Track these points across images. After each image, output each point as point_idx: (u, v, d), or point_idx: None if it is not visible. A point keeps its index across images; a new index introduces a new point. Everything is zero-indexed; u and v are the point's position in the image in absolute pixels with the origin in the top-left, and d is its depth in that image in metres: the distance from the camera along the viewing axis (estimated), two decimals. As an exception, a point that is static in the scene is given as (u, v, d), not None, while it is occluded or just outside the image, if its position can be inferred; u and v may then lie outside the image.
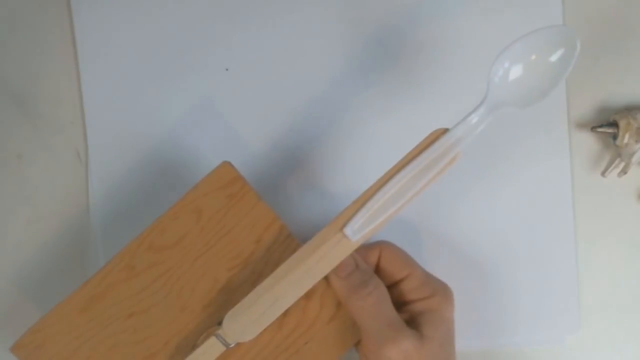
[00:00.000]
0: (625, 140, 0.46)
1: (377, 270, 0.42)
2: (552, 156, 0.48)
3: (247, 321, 0.39)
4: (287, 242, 0.41)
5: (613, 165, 0.47)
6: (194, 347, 0.40)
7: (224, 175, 0.41)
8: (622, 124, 0.46)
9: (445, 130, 0.37)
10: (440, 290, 0.41)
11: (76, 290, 0.41)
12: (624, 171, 0.47)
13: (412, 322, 0.40)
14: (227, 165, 0.41)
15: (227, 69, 0.48)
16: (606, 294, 0.49)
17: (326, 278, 0.39)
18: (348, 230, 0.38)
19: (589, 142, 0.48)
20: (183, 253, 0.41)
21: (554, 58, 0.37)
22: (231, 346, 0.39)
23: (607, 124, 0.47)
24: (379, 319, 0.38)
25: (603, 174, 0.48)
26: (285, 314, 0.39)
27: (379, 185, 0.38)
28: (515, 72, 0.37)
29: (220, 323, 0.39)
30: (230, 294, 0.41)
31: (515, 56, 0.37)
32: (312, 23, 0.48)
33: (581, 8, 0.48)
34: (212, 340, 0.39)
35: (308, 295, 0.39)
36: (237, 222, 0.41)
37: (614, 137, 0.46)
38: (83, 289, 0.41)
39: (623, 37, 0.48)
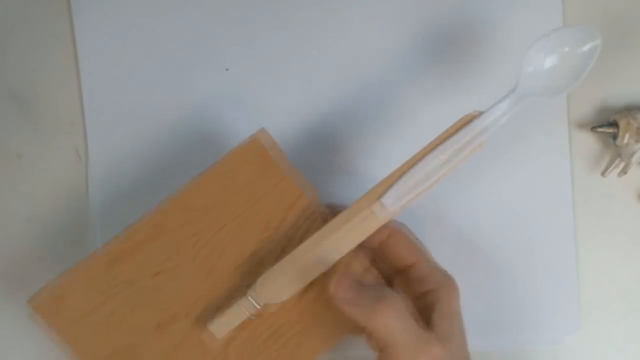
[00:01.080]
0: (625, 140, 0.46)
1: (382, 252, 0.42)
2: (552, 156, 0.48)
3: (278, 285, 0.39)
4: (312, 218, 0.41)
5: (613, 165, 0.47)
6: (219, 308, 0.40)
7: (253, 148, 0.41)
8: (622, 124, 0.46)
9: (479, 113, 0.39)
10: (446, 282, 0.41)
11: (103, 247, 0.40)
12: (624, 171, 0.47)
13: (423, 316, 0.40)
14: (261, 134, 0.41)
15: (227, 69, 0.48)
16: (606, 294, 0.49)
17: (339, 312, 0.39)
18: (380, 204, 0.39)
19: (589, 142, 0.48)
20: (213, 218, 0.41)
21: (583, 49, 0.40)
22: (258, 309, 0.40)
23: (607, 124, 0.47)
24: (404, 333, 0.38)
25: (603, 174, 0.48)
26: (310, 285, 0.40)
27: (413, 162, 0.39)
28: (550, 61, 0.40)
29: (248, 286, 0.40)
30: (256, 262, 0.41)
31: (550, 47, 0.40)
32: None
33: (581, 8, 0.48)
34: (243, 301, 0.40)
35: (329, 273, 0.40)
36: (266, 192, 0.41)
37: (614, 137, 0.46)
38: (110, 245, 0.40)
39: (623, 37, 0.48)
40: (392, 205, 0.39)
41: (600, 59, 0.48)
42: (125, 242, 0.40)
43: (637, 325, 0.49)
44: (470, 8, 0.48)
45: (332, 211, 0.42)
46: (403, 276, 0.42)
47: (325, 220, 0.41)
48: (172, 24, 0.47)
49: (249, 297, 0.40)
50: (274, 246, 0.41)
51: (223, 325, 0.40)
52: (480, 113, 0.39)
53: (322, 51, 0.48)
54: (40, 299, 0.40)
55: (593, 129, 0.47)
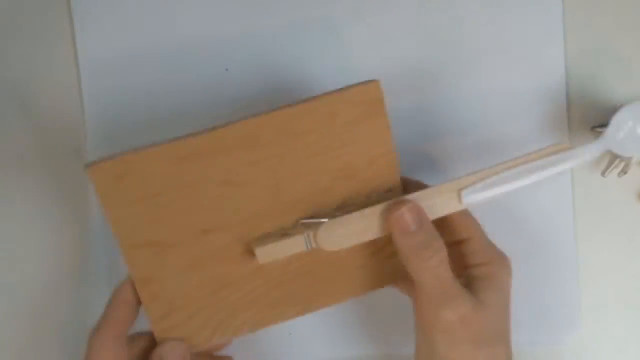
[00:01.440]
0: (626, 140, 0.46)
1: (443, 223, 0.42)
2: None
3: (340, 236, 0.40)
4: (394, 181, 0.41)
5: (613, 165, 0.47)
6: (269, 234, 0.40)
7: (370, 92, 0.40)
8: (622, 124, 0.46)
9: (567, 147, 0.41)
10: (498, 259, 0.41)
11: (183, 138, 0.39)
12: (624, 171, 0.47)
13: (469, 287, 0.40)
14: (376, 84, 0.40)
15: (226, 69, 0.48)
16: (606, 294, 0.49)
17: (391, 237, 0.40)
18: (464, 192, 0.40)
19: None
20: (302, 147, 0.40)
21: None
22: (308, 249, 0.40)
23: (607, 123, 0.47)
24: (439, 281, 0.39)
25: (603, 173, 0.48)
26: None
27: (500, 169, 0.41)
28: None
29: (305, 224, 0.40)
30: (320, 202, 0.41)
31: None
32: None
33: (581, 8, 0.48)
34: (298, 238, 0.40)
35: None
36: (362, 139, 0.41)
37: (614, 137, 0.46)
38: (191, 138, 0.39)
39: (623, 37, 0.48)
40: (472, 197, 0.40)
41: (601, 58, 0.48)
42: (204, 144, 0.39)
43: (637, 325, 0.49)
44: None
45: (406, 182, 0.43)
46: (458, 249, 0.42)
47: (404, 188, 0.41)
48: (172, 23, 0.47)
49: (305, 236, 0.40)
50: (344, 194, 0.41)
51: (270, 252, 0.40)
52: (568, 147, 0.41)
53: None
54: (102, 168, 0.38)
55: (593, 129, 0.47)
